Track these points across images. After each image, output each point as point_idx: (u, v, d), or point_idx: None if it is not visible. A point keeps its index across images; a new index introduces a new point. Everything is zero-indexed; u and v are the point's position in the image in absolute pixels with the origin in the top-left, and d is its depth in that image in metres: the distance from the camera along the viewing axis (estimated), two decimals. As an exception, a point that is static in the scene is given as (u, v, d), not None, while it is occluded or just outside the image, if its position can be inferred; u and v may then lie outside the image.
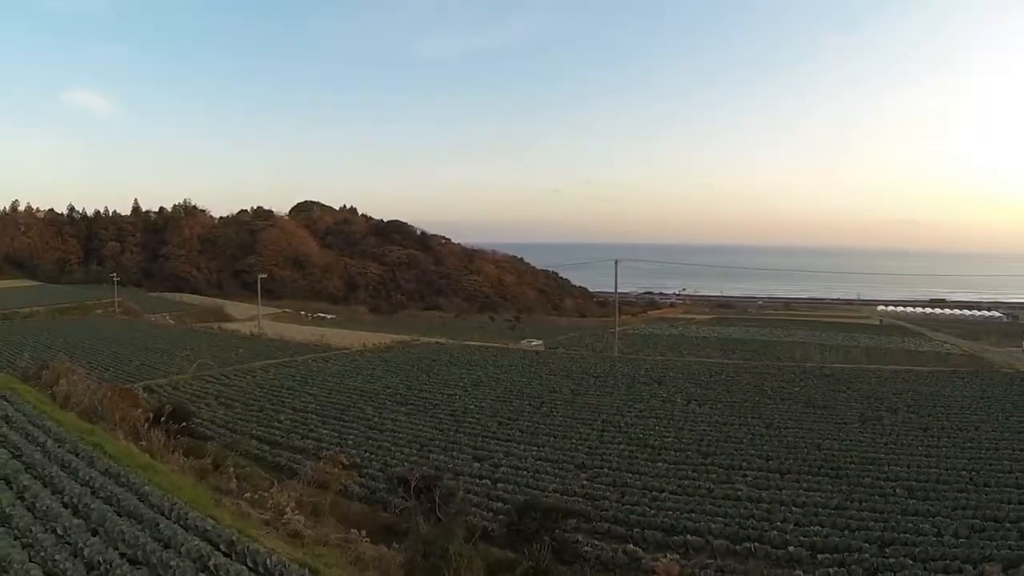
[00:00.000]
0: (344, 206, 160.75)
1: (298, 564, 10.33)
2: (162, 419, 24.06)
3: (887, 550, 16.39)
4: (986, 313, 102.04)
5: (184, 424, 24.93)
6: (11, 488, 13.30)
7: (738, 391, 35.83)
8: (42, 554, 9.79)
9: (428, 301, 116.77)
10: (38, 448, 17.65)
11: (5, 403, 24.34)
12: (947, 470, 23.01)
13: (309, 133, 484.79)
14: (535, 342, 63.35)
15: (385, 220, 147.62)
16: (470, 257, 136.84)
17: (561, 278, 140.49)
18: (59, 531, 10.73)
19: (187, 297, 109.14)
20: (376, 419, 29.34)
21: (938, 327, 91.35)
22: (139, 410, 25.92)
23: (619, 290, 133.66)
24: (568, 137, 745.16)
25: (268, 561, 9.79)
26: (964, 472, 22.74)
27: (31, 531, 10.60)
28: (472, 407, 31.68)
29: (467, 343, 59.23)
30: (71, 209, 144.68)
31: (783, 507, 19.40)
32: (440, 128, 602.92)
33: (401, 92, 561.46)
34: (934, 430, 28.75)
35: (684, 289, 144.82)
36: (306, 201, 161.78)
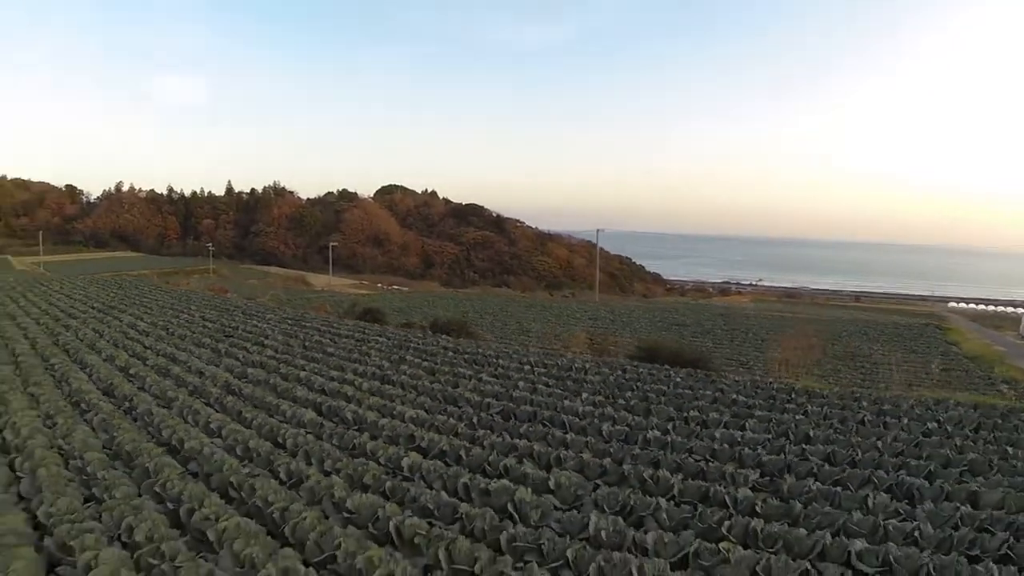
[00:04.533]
0: (425, 190, 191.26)
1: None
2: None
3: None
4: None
5: (252, 302, 52.26)
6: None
7: (621, 318, 59.67)
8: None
9: (499, 279, 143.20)
10: (166, 294, 46.01)
11: (145, 285, 53.72)
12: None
13: (397, 119, 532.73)
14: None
15: (464, 203, 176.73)
16: (543, 240, 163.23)
17: (635, 263, 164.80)
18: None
19: (273, 269, 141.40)
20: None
21: (978, 319, 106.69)
22: (228, 294, 54.46)
23: (700, 279, 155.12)
24: (668, 124, 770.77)
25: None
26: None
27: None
28: (432, 314, 57.53)
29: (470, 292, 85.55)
30: (170, 189, 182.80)
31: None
32: (527, 114, 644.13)
33: (486, 79, 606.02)
34: (718, 332, 51.15)
35: (761, 280, 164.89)
36: (390, 185, 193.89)
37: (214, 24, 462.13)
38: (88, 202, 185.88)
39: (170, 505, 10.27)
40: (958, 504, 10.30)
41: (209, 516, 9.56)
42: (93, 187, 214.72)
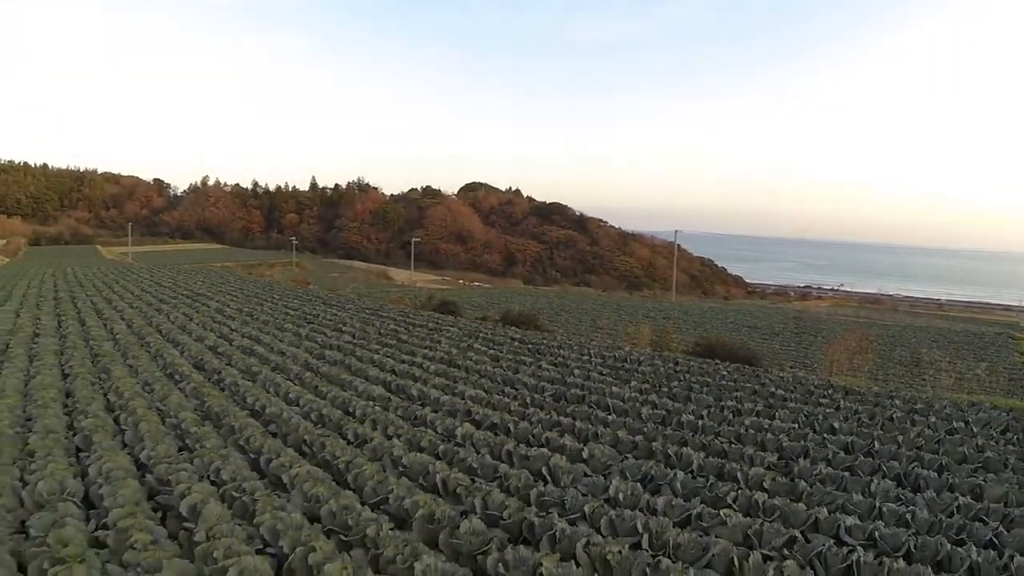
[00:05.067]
0: (509, 188, 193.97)
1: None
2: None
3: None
4: None
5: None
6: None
7: (693, 318, 60.21)
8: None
9: (581, 278, 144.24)
10: (250, 284, 48.87)
11: (230, 275, 56.85)
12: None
13: (480, 117, 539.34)
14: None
15: (547, 202, 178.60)
16: (625, 240, 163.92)
17: (717, 266, 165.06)
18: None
19: (356, 263, 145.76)
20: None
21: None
22: (310, 285, 57.23)
23: (782, 283, 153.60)
24: (740, 128, 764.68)
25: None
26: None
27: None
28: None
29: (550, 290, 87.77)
30: (255, 184, 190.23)
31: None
32: (610, 115, 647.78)
33: (568, 77, 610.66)
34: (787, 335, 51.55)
35: (842, 285, 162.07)
36: (473, 182, 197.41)
37: (299, 23, 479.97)
38: (175, 195, 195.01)
39: (251, 455, 12.03)
40: (959, 495, 11.05)
41: (284, 464, 11.27)
42: (180, 181, 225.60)
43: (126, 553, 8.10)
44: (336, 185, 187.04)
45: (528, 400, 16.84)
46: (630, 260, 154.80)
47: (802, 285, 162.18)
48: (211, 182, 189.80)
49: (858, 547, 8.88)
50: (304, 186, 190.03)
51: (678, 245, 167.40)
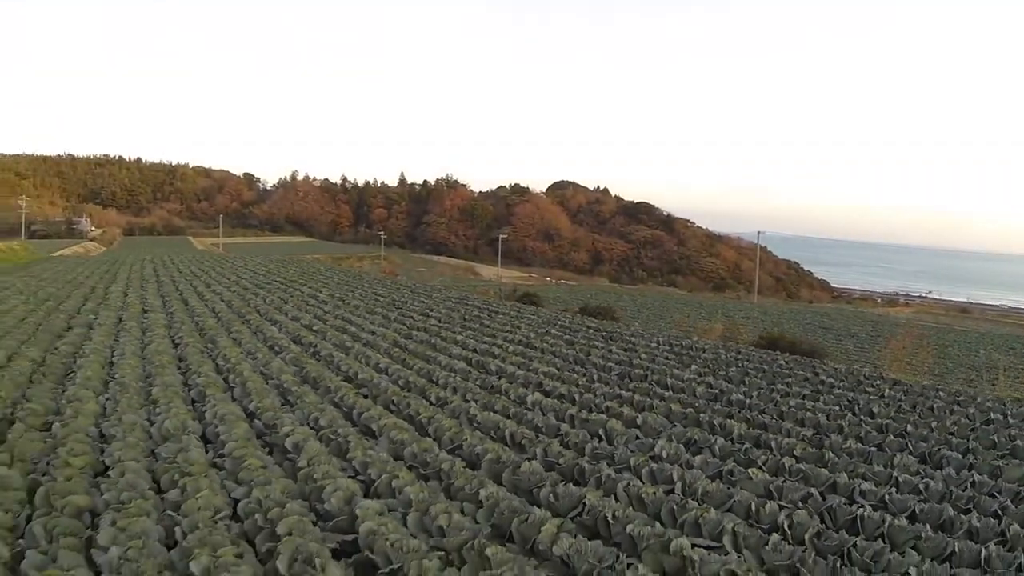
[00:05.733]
0: (597, 187, 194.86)
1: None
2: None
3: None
4: None
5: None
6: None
7: (771, 318, 60.56)
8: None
9: (667, 279, 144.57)
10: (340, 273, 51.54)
11: (320, 265, 59.98)
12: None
13: (569, 115, 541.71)
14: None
15: (635, 201, 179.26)
16: (712, 241, 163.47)
17: (802, 269, 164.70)
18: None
19: (443, 259, 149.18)
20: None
21: None
22: (398, 276, 59.80)
23: (869, 288, 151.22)
24: (829, 128, 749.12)
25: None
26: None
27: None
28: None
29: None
30: (343, 179, 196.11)
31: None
32: (699, 112, 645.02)
33: (654, 76, 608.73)
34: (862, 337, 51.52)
35: (930, 292, 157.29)
36: (562, 180, 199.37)
37: (387, 18, 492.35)
38: (264, 189, 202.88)
39: (345, 410, 13.91)
40: (976, 473, 11.82)
41: (373, 417, 13.09)
42: (269, 175, 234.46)
43: (241, 473, 10.00)
44: (424, 181, 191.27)
45: (595, 376, 18.41)
46: (716, 261, 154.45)
47: (891, 291, 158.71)
48: (300, 177, 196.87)
49: (867, 506, 10.01)
50: (393, 181, 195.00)
51: (763, 247, 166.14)
